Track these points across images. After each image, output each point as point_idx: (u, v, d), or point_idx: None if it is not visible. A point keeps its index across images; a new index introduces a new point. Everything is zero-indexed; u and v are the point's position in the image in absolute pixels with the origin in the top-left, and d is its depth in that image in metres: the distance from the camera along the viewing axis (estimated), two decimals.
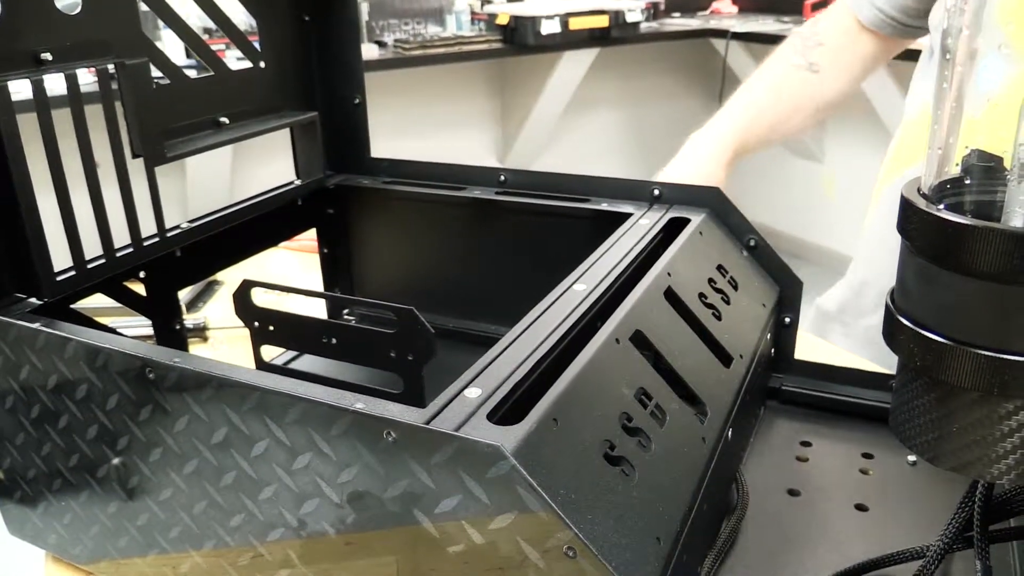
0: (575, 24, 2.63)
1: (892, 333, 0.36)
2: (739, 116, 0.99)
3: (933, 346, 0.33)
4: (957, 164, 0.34)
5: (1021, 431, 0.33)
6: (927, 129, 0.91)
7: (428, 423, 0.38)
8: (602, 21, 2.67)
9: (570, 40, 2.65)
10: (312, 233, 0.84)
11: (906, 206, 0.34)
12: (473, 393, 0.41)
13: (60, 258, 0.56)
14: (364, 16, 2.61)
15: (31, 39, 0.52)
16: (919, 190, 0.34)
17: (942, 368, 0.33)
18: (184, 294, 0.96)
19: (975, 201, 0.34)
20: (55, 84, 0.54)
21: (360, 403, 0.39)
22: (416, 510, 0.39)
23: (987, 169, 0.34)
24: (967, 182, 0.34)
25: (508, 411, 0.40)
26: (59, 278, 0.56)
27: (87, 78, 0.56)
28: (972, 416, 0.34)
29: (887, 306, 0.36)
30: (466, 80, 3.06)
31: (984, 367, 0.32)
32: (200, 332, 0.89)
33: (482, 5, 2.87)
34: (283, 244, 0.84)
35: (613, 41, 2.76)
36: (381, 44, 2.61)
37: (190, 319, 0.90)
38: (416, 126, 2.91)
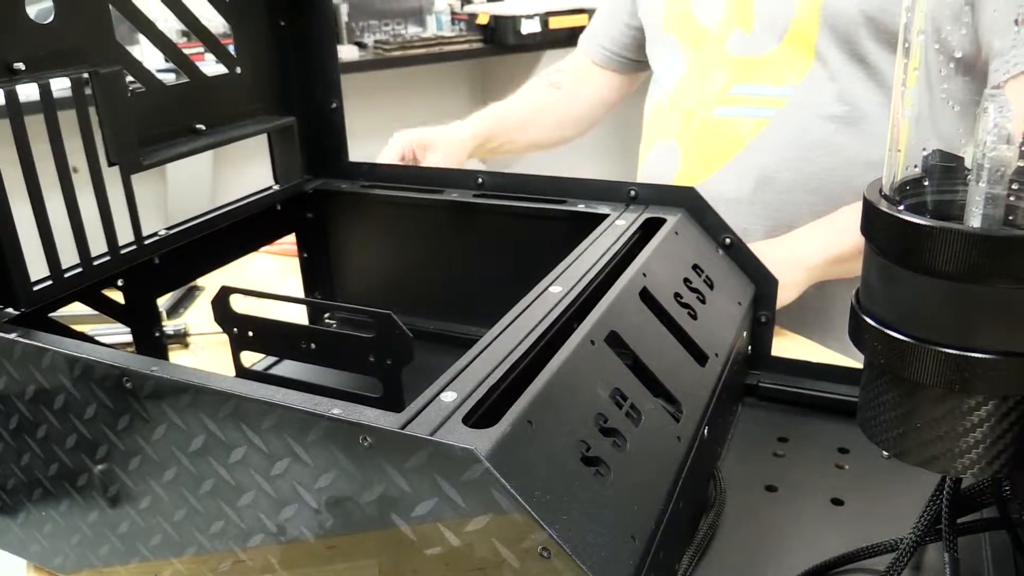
0: (555, 23, 2.63)
1: (857, 332, 0.36)
2: (487, 113, 1.20)
3: (896, 344, 0.34)
4: (916, 166, 0.35)
5: (983, 426, 0.34)
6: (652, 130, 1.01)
7: (403, 428, 0.38)
8: (582, 20, 2.68)
9: (550, 39, 2.65)
10: (293, 237, 0.84)
11: (868, 207, 0.35)
12: (449, 397, 0.41)
13: (36, 267, 0.56)
14: (344, 17, 2.60)
15: (3, 49, 0.52)
16: (881, 191, 0.35)
17: (905, 365, 0.34)
18: (165, 300, 0.96)
19: (936, 201, 0.34)
20: (29, 89, 0.54)
21: (336, 409, 0.40)
22: (393, 514, 0.39)
23: (947, 169, 0.34)
24: (926, 183, 0.34)
25: (484, 414, 0.41)
26: (36, 288, 0.56)
27: (62, 83, 0.56)
28: (935, 412, 0.35)
29: (852, 305, 0.37)
30: (447, 80, 3.06)
31: (946, 364, 0.33)
32: (181, 338, 0.89)
33: (462, 5, 2.87)
34: (264, 248, 0.84)
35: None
36: (361, 45, 2.61)
37: (171, 325, 0.90)
38: (397, 126, 2.89)
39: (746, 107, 0.92)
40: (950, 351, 0.33)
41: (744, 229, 0.96)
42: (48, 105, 0.55)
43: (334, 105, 0.80)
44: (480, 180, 0.76)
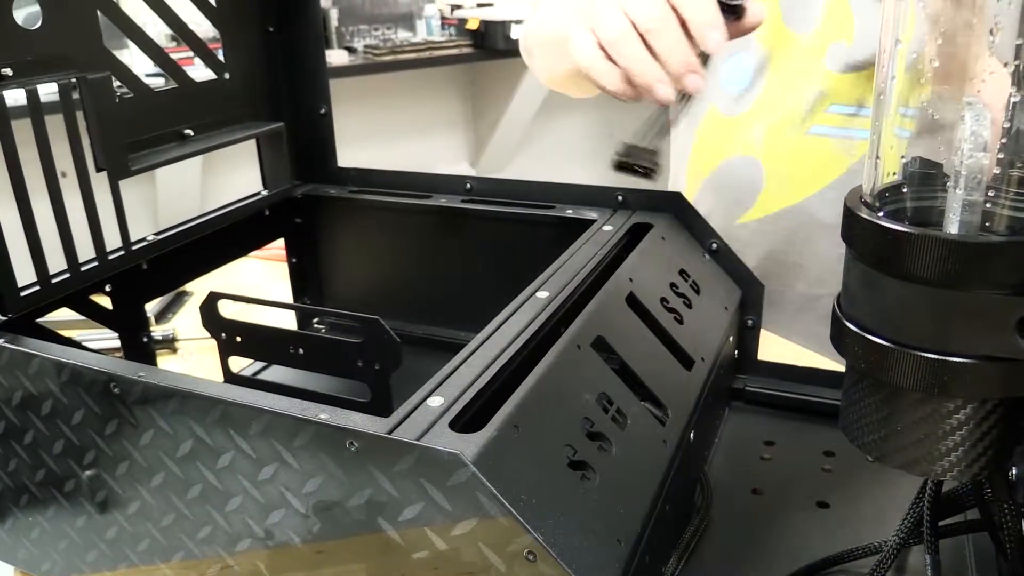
0: None
1: (838, 336, 0.37)
2: None
3: (876, 349, 0.34)
4: (895, 173, 0.35)
5: (962, 429, 0.34)
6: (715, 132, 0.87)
7: (390, 433, 0.38)
8: None
9: None
10: (282, 241, 0.84)
11: (848, 214, 0.35)
12: (435, 402, 0.41)
13: (24, 273, 0.56)
14: (334, 22, 2.61)
15: None
16: (861, 198, 0.36)
17: (885, 370, 0.34)
18: (153, 305, 0.96)
19: (915, 208, 0.35)
20: (15, 94, 0.54)
21: (324, 414, 0.40)
22: (380, 518, 0.39)
23: (927, 176, 0.35)
24: (905, 190, 0.35)
25: (470, 419, 0.41)
26: (23, 294, 0.56)
27: (49, 87, 0.56)
28: (915, 415, 0.35)
29: (834, 310, 0.37)
30: (437, 85, 3.06)
31: (925, 368, 0.33)
32: (169, 343, 0.89)
33: (452, 10, 2.87)
34: (253, 253, 0.84)
35: None
36: (351, 50, 2.61)
37: (159, 330, 0.90)
38: (388, 131, 2.91)
39: (845, 128, 0.84)
40: (929, 355, 0.33)
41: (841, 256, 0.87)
42: (36, 110, 0.55)
43: (323, 110, 0.80)
44: (469, 185, 0.76)
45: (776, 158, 0.89)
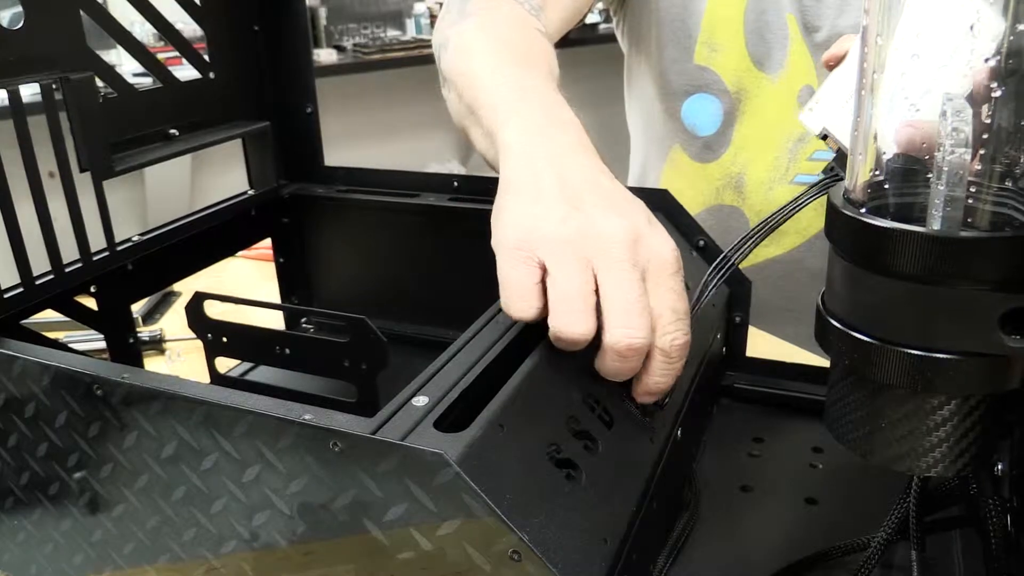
0: None
1: (823, 333, 0.37)
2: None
3: (860, 345, 0.34)
4: (876, 170, 0.35)
5: (946, 425, 0.34)
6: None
7: (374, 433, 0.38)
8: None
9: None
10: (270, 241, 0.84)
11: (831, 210, 0.35)
12: (420, 401, 0.41)
13: (7, 275, 0.56)
14: (322, 20, 2.60)
15: None
16: (843, 194, 0.36)
17: (869, 366, 0.34)
18: (140, 306, 0.96)
19: (898, 204, 0.35)
20: None
21: (308, 414, 0.40)
22: (365, 519, 0.39)
23: (909, 172, 0.35)
24: (887, 186, 0.35)
25: (455, 418, 0.41)
26: (7, 295, 0.56)
27: (33, 88, 0.56)
28: (899, 412, 0.35)
29: (817, 307, 0.37)
30: (427, 84, 3.04)
31: (908, 364, 0.33)
32: (157, 344, 0.89)
33: (441, 8, 2.87)
34: (241, 253, 0.84)
35: (572, 43, 2.77)
36: (340, 49, 2.60)
37: (146, 331, 0.89)
38: (377, 131, 2.90)
39: None
40: (912, 352, 0.33)
41: None
42: (18, 111, 0.54)
43: (309, 109, 0.80)
44: (456, 184, 0.76)
45: (759, 211, 0.85)
